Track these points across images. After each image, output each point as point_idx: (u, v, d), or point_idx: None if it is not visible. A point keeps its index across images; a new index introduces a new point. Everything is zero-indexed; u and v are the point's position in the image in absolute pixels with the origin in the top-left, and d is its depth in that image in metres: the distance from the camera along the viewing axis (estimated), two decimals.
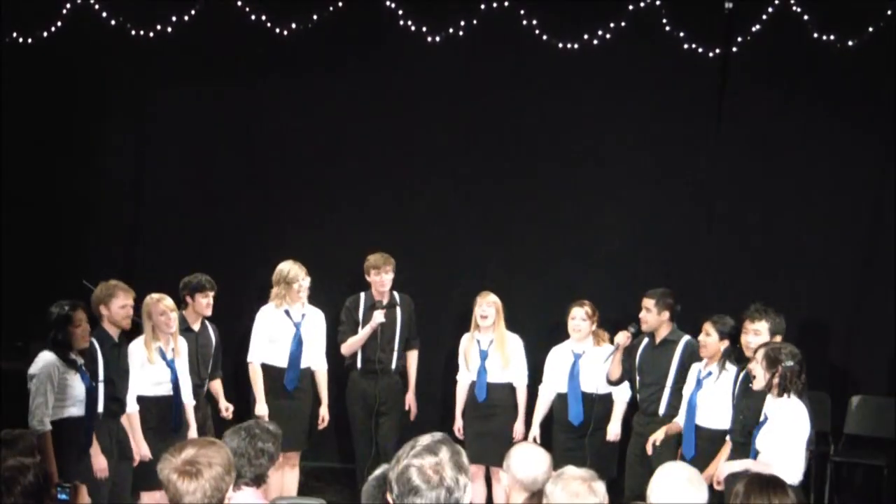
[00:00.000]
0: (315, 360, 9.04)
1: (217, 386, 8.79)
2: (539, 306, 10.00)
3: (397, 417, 9.14)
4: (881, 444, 9.53)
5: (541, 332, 9.55)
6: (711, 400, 7.83)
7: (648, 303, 8.35)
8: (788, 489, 4.88)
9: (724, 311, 8.16)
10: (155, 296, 8.08)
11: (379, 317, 8.97)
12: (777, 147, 9.91)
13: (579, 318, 8.70)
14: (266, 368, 8.94)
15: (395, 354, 9.14)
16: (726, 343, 7.87)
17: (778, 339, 7.45)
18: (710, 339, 7.89)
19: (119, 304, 7.65)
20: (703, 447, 7.79)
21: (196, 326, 8.55)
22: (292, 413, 8.84)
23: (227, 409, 8.73)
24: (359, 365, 9.14)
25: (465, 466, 3.57)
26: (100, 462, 7.43)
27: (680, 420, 8.06)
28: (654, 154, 10.08)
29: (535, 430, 8.84)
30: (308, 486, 9.45)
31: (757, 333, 7.56)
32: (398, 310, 9.17)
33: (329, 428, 9.38)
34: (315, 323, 9.03)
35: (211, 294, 8.49)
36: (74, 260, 10.32)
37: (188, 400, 8.25)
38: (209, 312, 8.55)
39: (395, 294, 9.20)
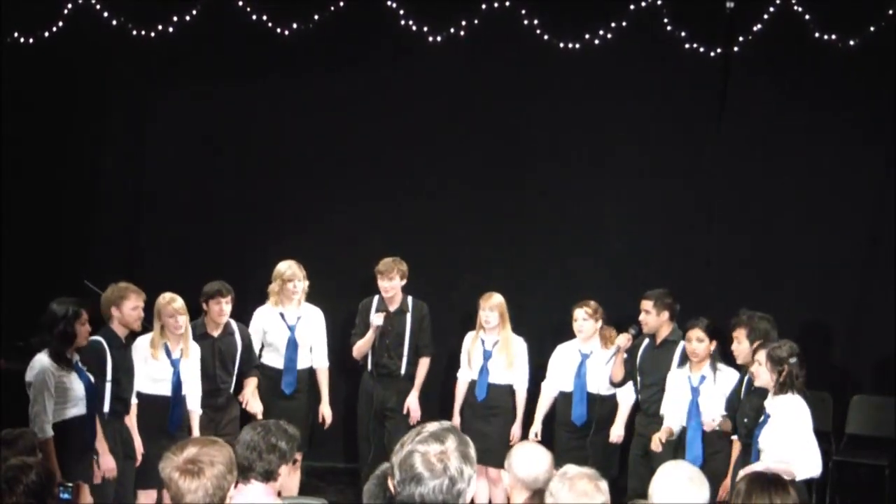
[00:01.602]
0: (316, 358, 9.03)
1: (249, 383, 8.65)
2: (542, 307, 9.99)
3: (404, 421, 9.08)
4: (882, 443, 9.53)
5: (544, 333, 9.54)
6: (713, 402, 7.83)
7: (647, 304, 8.34)
8: (790, 488, 4.88)
9: (723, 310, 8.18)
10: (167, 296, 8.07)
11: (377, 320, 8.94)
12: (778, 147, 9.91)
13: (581, 318, 8.69)
14: (264, 369, 8.91)
15: (405, 360, 9.08)
16: (714, 344, 7.93)
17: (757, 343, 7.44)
18: (703, 343, 7.91)
19: (131, 306, 7.67)
20: (713, 449, 7.81)
21: (215, 333, 8.51)
22: (291, 415, 8.77)
23: (246, 402, 8.58)
24: (369, 367, 9.13)
25: (472, 458, 3.48)
26: (108, 462, 7.43)
27: (671, 423, 8.04)
28: (655, 154, 10.08)
29: (538, 427, 8.83)
30: (310, 486, 9.42)
31: (738, 341, 7.58)
32: (408, 316, 9.10)
33: (332, 428, 9.38)
34: (312, 322, 9.00)
35: (224, 300, 8.41)
36: (75, 260, 10.32)
37: (194, 407, 8.22)
38: (222, 319, 8.49)
39: (409, 300, 9.14)
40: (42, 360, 7.09)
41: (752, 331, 7.52)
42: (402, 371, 9.10)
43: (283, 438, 4.94)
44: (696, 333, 7.92)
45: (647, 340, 8.43)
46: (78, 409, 7.17)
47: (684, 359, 8.14)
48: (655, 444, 7.96)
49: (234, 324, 8.63)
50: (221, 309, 8.45)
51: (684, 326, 8.17)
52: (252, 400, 8.61)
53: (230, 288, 8.48)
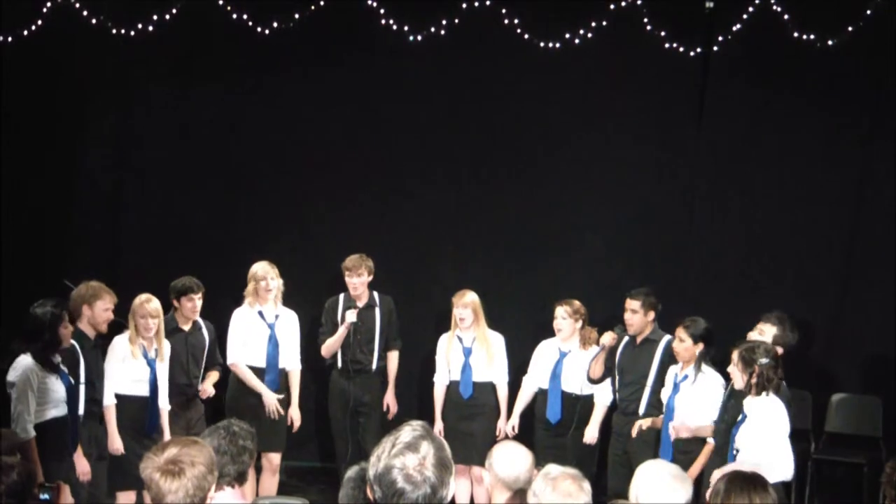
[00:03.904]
0: (289, 360, 9.00)
1: (210, 376, 8.70)
2: (522, 306, 10.01)
3: (377, 418, 9.13)
4: (862, 442, 9.57)
5: (524, 332, 9.56)
6: (689, 403, 7.82)
7: (634, 304, 8.33)
8: (769, 487, 4.87)
9: (707, 310, 8.20)
10: (142, 297, 8.06)
11: (350, 316, 8.98)
12: (758, 145, 9.94)
13: (560, 317, 8.70)
14: None
15: (375, 355, 9.13)
16: (700, 346, 7.86)
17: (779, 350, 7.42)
18: (684, 344, 7.88)
19: (103, 307, 7.66)
20: (682, 449, 7.77)
21: (186, 327, 8.52)
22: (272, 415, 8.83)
23: (203, 391, 8.59)
24: (339, 365, 9.14)
25: (448, 463, 3.48)
26: (83, 465, 7.42)
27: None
28: (635, 153, 10.09)
29: (515, 421, 8.87)
30: (289, 486, 9.44)
31: (761, 333, 7.57)
32: (377, 311, 9.16)
33: (310, 427, 9.38)
34: (289, 324, 9.00)
35: (196, 297, 8.45)
36: (55, 260, 10.28)
37: (164, 405, 8.21)
38: (195, 315, 8.53)
39: (376, 295, 9.19)
40: (26, 360, 7.07)
41: (781, 335, 7.56)
42: (374, 366, 9.13)
43: (248, 437, 4.93)
44: (679, 332, 7.91)
45: (626, 339, 8.44)
46: (58, 410, 7.14)
47: (669, 356, 8.18)
48: (635, 430, 8.03)
49: (200, 319, 8.64)
50: (194, 305, 8.48)
51: (672, 324, 8.21)
52: (210, 391, 8.63)
53: (200, 284, 8.50)
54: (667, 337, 8.28)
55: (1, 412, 7.12)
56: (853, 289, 9.75)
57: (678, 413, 7.84)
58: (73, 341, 7.43)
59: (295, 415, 8.99)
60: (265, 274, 8.81)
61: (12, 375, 7.05)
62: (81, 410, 7.49)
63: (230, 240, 10.28)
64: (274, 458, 8.89)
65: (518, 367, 9.10)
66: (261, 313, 8.88)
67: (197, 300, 8.47)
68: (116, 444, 7.87)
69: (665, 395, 8.03)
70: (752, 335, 7.64)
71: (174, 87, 10.43)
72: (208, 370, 8.70)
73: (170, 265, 9.25)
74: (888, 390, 9.51)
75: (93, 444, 7.66)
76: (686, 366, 7.94)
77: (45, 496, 4.92)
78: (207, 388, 8.61)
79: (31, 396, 6.99)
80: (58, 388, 7.14)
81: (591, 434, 8.59)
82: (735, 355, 6.97)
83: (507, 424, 8.84)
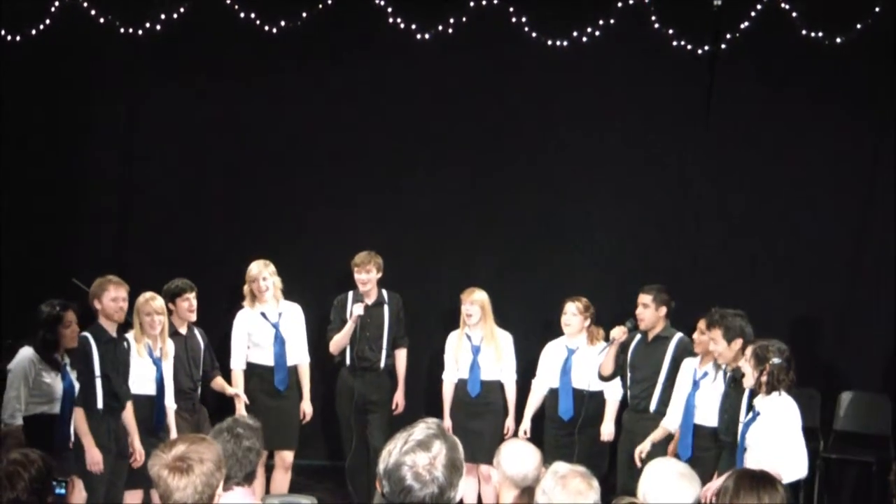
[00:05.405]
0: (297, 354, 9.00)
1: (219, 382, 8.74)
2: (529, 303, 10.01)
3: (386, 415, 9.12)
4: (871, 440, 9.55)
5: (532, 330, 9.57)
6: (710, 400, 7.78)
7: (646, 298, 8.31)
8: (779, 485, 4.85)
9: (711, 307, 8.17)
10: (147, 295, 8.07)
11: (357, 309, 8.95)
12: (766, 143, 9.94)
13: (570, 313, 8.69)
14: (255, 368, 8.91)
15: (384, 353, 9.12)
16: None
17: (739, 342, 7.38)
18: (704, 336, 7.82)
19: (110, 297, 7.66)
20: (703, 446, 7.74)
21: (183, 330, 8.50)
22: (284, 412, 8.83)
23: (237, 395, 8.66)
24: (347, 362, 9.13)
25: (459, 464, 3.47)
26: (94, 455, 7.41)
27: (668, 422, 8.02)
28: (643, 150, 10.10)
29: (527, 424, 8.84)
30: (298, 484, 9.41)
31: (715, 341, 7.50)
32: (385, 308, 9.15)
33: (318, 425, 9.39)
34: (293, 318, 8.99)
35: (190, 296, 8.42)
36: (62, 258, 10.29)
37: (170, 403, 8.22)
38: (193, 316, 8.48)
39: (384, 292, 9.18)
40: (26, 351, 7.14)
41: (728, 330, 7.48)
42: (382, 364, 9.12)
43: (253, 436, 4.89)
44: (700, 324, 7.87)
45: (638, 336, 8.43)
46: (48, 407, 7.14)
47: (681, 353, 8.16)
48: (637, 458, 7.89)
49: (192, 323, 8.64)
50: (190, 304, 8.45)
51: (678, 322, 8.18)
52: (241, 392, 8.70)
53: (192, 283, 8.48)
54: (678, 335, 8.28)
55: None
56: (861, 286, 9.74)
57: (699, 411, 7.81)
58: (87, 335, 7.48)
59: (307, 408, 9.01)
60: (258, 273, 8.80)
61: (11, 363, 7.12)
62: (100, 404, 7.52)
63: (236, 239, 10.28)
64: (287, 456, 8.90)
65: (524, 366, 9.09)
66: (263, 314, 8.88)
67: (192, 299, 8.44)
68: (136, 443, 7.85)
69: (683, 392, 7.98)
70: (712, 346, 7.57)
71: (181, 86, 10.41)
72: (209, 377, 8.71)
73: (176, 263, 9.25)
74: None
75: (112, 440, 7.65)
76: (704, 362, 7.91)
77: (60, 491, 4.87)
78: (232, 390, 8.68)
79: (24, 385, 7.03)
80: (55, 384, 7.15)
81: (607, 431, 8.59)
82: (748, 351, 6.95)
83: (520, 428, 8.82)
